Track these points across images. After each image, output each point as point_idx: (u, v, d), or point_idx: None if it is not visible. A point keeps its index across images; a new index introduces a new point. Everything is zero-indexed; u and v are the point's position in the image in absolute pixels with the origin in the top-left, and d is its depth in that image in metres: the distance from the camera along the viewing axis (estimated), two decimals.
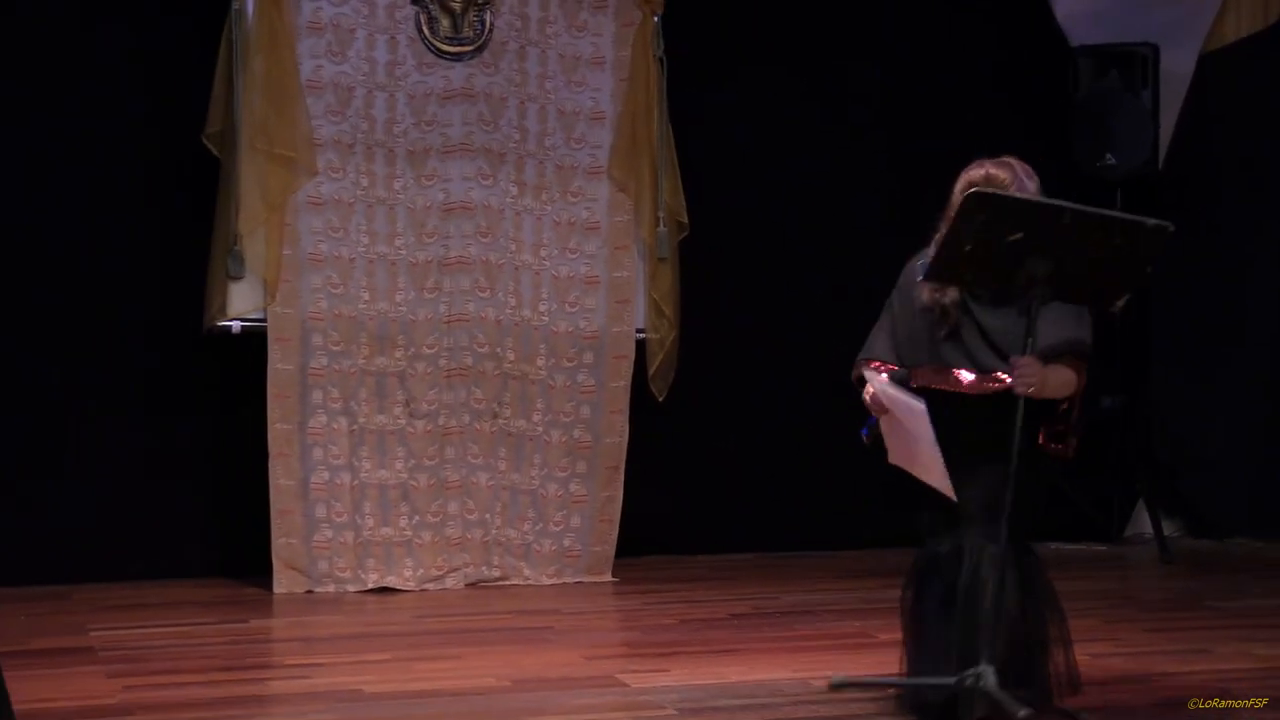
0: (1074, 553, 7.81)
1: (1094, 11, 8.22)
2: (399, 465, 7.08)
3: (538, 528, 7.24)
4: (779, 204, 7.94)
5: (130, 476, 7.05)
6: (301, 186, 6.93)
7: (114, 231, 7.07)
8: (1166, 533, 8.03)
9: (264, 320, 6.89)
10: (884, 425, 4.76)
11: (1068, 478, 6.85)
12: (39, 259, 6.98)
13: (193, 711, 4.91)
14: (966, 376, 4.65)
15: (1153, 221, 4.45)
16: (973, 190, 4.45)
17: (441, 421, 7.12)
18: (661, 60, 7.34)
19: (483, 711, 4.94)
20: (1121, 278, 4.54)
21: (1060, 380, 4.59)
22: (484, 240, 7.17)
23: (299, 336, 6.94)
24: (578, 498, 7.29)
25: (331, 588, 6.95)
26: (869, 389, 4.74)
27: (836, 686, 4.94)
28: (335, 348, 6.99)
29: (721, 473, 7.84)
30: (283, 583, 6.90)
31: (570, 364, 7.28)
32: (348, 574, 6.99)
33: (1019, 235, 4.39)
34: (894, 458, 4.77)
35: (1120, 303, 4.61)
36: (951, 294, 4.64)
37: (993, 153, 4.72)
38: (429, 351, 7.11)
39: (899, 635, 4.97)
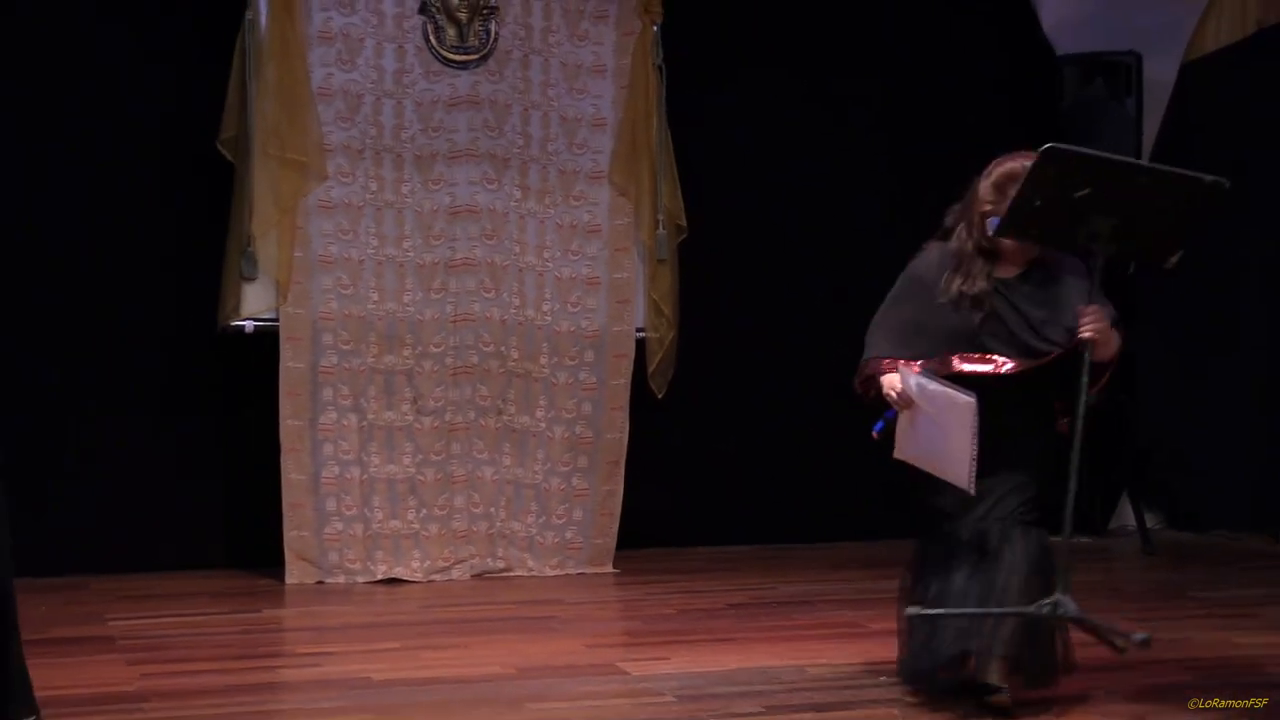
0: (1058, 545, 7.86)
1: (1078, 20, 8.16)
2: (407, 460, 7.12)
3: (541, 521, 7.27)
4: (779, 205, 7.90)
5: (148, 472, 7.06)
6: (312, 190, 6.94)
7: (134, 235, 7.06)
8: (1149, 525, 8.04)
9: (276, 320, 6.91)
10: (903, 420, 4.74)
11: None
12: (66, 263, 7.00)
13: (207, 698, 4.96)
14: (1006, 363, 4.70)
15: (1210, 178, 4.58)
16: (1048, 145, 4.50)
17: (448, 418, 7.16)
18: (660, 68, 7.33)
19: (488, 698, 4.97)
20: (1179, 232, 4.64)
21: (1112, 338, 4.67)
22: (489, 242, 7.20)
23: (310, 336, 6.96)
24: (580, 492, 7.32)
25: (341, 579, 6.98)
26: (894, 384, 4.73)
27: (911, 618, 4.80)
28: (345, 346, 7.02)
29: (719, 467, 7.82)
30: (294, 574, 6.93)
31: (572, 362, 7.31)
32: (357, 565, 7.03)
33: (1086, 191, 4.48)
34: (903, 453, 4.77)
35: (1174, 259, 4.70)
36: (980, 283, 4.71)
37: (992, 155, 4.80)
38: (436, 350, 7.15)
39: (893, 625, 5.01)
